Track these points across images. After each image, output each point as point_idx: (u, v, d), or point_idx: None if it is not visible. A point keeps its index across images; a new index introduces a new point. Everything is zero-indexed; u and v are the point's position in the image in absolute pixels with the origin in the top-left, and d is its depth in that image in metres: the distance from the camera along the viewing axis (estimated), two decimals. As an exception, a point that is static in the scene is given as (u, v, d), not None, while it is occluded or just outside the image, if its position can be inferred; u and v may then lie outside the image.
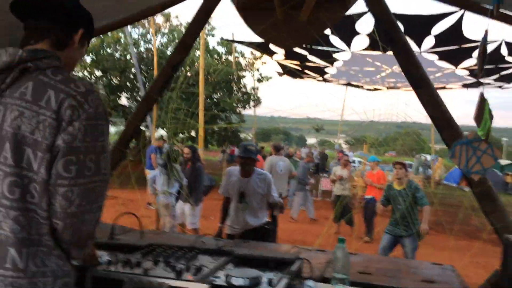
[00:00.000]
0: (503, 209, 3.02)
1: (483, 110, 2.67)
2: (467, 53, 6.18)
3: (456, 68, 7.15)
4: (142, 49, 19.41)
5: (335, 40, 6.02)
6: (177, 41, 18.58)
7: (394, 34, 3.21)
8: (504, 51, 5.71)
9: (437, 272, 2.30)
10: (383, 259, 2.98)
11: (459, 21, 4.94)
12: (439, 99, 3.09)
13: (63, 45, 1.42)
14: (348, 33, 5.70)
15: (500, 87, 8.20)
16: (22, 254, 1.24)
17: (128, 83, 18.72)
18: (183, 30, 19.28)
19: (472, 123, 2.87)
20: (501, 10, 2.50)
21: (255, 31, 3.99)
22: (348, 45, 6.29)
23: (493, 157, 2.73)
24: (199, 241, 2.14)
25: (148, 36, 19.26)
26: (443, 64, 7.02)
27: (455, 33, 5.27)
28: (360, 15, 4.97)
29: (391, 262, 2.54)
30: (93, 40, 15.57)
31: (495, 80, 7.51)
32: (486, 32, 2.52)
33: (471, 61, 6.62)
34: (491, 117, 2.64)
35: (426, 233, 5.41)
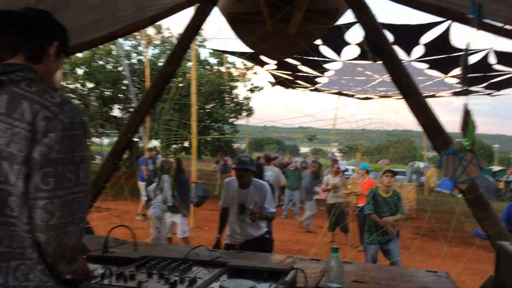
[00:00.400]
0: (495, 216, 3.05)
1: (467, 121, 2.72)
2: (456, 62, 6.25)
3: (445, 76, 7.24)
4: (134, 60, 19.45)
5: (325, 50, 6.09)
6: (169, 52, 18.63)
7: (381, 44, 3.26)
8: (492, 59, 5.80)
9: (432, 280, 2.31)
10: (377, 267, 2.99)
11: (447, 31, 5.02)
12: (429, 108, 3.13)
13: (38, 58, 1.41)
14: (338, 43, 5.77)
15: (489, 94, 8.30)
16: (2, 268, 1.21)
17: (120, 95, 18.73)
18: (174, 41, 19.35)
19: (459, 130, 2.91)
20: (485, 20, 2.56)
21: (245, 42, 4.03)
22: (339, 55, 6.36)
23: (479, 167, 2.77)
24: (193, 253, 2.14)
25: (140, 48, 19.31)
26: (433, 72, 7.10)
27: (443, 42, 5.35)
28: (349, 26, 5.03)
29: (386, 270, 2.54)
30: (85, 52, 15.58)
31: (485, 87, 7.61)
32: (468, 45, 2.58)
33: (460, 70, 6.71)
34: (474, 127, 2.69)
35: (386, 223, 5.50)
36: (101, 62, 18.29)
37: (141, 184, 10.61)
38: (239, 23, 3.78)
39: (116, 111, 19.35)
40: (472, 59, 6.10)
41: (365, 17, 3.25)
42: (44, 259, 1.28)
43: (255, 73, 18.65)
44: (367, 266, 2.80)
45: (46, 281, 1.27)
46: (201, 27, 3.93)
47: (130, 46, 19.31)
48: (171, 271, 1.88)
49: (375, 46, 3.28)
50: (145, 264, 2.00)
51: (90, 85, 18.13)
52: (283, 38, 3.64)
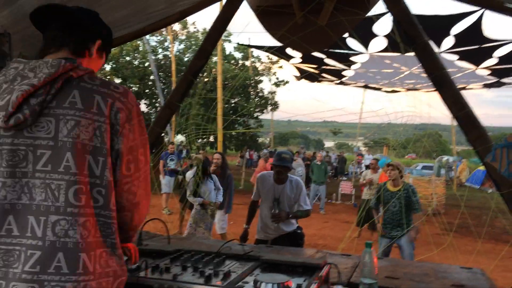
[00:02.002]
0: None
1: None
2: (488, 53, 6.08)
3: (476, 68, 7.04)
4: (160, 56, 19.68)
5: (352, 42, 6.01)
6: (194, 47, 18.78)
7: (415, 35, 3.19)
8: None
9: (467, 276, 2.26)
10: (409, 263, 2.94)
11: (479, 21, 4.87)
12: (464, 100, 3.05)
13: (80, 54, 1.45)
14: (365, 35, 5.68)
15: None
16: (91, 257, 1.29)
17: (147, 90, 19.02)
18: (200, 36, 19.47)
19: (492, 123, 2.81)
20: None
21: (274, 36, 4.01)
22: (366, 47, 6.26)
23: None
24: (226, 247, 2.16)
25: (166, 43, 19.52)
26: (463, 64, 6.93)
27: (475, 32, 5.21)
28: (377, 17, 4.94)
29: (418, 266, 2.50)
30: (113, 49, 15.91)
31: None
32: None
33: (492, 61, 6.51)
34: None
35: (412, 241, 5.36)
36: (128, 58, 18.61)
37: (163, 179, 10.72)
38: (268, 16, 3.76)
39: (142, 106, 19.68)
40: (504, 50, 5.90)
41: (397, 7, 3.19)
42: (117, 244, 1.39)
43: (280, 67, 18.60)
44: (399, 262, 2.76)
45: (121, 264, 1.39)
46: (230, 22, 3.93)
47: (156, 41, 19.56)
48: (205, 265, 1.90)
49: (408, 37, 3.21)
50: (179, 257, 2.02)
51: (117, 80, 18.48)
52: (314, 30, 3.60)
